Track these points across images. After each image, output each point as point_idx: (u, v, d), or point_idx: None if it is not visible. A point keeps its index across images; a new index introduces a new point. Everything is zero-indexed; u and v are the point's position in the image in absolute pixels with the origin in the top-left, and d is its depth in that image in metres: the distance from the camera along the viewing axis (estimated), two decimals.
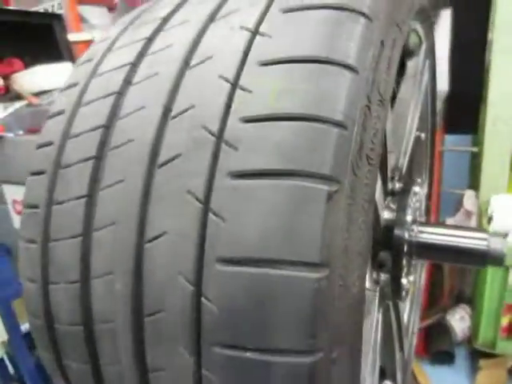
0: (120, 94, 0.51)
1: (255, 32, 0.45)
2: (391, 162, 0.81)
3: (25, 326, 1.56)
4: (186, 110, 0.44)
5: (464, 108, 1.96)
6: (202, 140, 0.41)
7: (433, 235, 0.81)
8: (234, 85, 0.42)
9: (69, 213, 0.49)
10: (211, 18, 0.51)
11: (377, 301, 0.79)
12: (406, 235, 0.76)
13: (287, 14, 0.44)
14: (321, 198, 0.36)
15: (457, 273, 2.15)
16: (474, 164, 2.16)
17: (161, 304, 0.42)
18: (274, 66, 0.41)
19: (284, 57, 0.41)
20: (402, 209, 0.78)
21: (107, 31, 0.64)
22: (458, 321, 2.08)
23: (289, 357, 0.37)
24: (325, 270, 0.36)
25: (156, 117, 0.45)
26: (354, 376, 0.47)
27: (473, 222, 1.89)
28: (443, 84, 1.84)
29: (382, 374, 1.01)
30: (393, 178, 0.85)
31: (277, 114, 0.39)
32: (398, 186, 0.86)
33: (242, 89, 0.42)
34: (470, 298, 2.16)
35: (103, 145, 0.49)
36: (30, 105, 1.59)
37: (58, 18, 1.87)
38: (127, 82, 0.51)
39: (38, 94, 1.64)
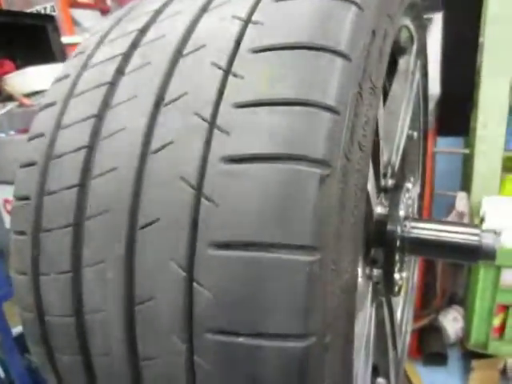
0: (112, 85, 0.51)
1: (247, 21, 0.46)
2: (384, 159, 0.82)
3: (16, 330, 1.54)
4: (178, 98, 0.44)
5: (456, 110, 1.99)
6: (194, 126, 0.41)
7: (425, 231, 0.81)
8: (227, 72, 0.42)
9: (60, 202, 0.48)
10: (204, 9, 0.52)
11: (369, 296, 0.79)
12: (399, 230, 0.77)
13: (279, 2, 0.45)
14: (313, 181, 0.36)
15: (449, 274, 2.16)
16: (466, 166, 2.18)
17: (152, 291, 0.41)
18: (266, 53, 0.42)
19: (276, 44, 0.41)
20: (394, 204, 0.79)
21: (100, 25, 0.64)
22: (451, 322, 2.09)
23: (281, 341, 0.37)
24: (317, 254, 0.36)
25: (148, 105, 0.45)
26: (346, 366, 0.47)
27: None
28: (435, 87, 1.86)
29: (375, 372, 1.01)
30: (385, 175, 0.86)
31: (269, 98, 0.39)
32: (390, 182, 0.86)
33: (235, 75, 0.42)
34: (462, 300, 2.17)
35: (95, 134, 0.48)
36: (21, 105, 1.58)
37: (51, 19, 1.87)
38: (119, 72, 0.51)
39: (29, 95, 1.64)
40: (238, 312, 0.37)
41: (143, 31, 0.54)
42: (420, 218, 1.09)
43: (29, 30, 1.81)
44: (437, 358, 2.03)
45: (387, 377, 1.02)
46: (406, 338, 1.25)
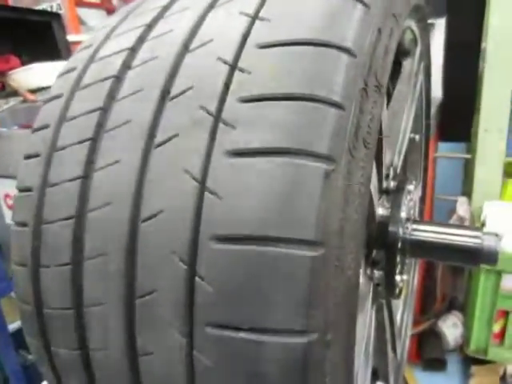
0: (118, 78, 0.51)
1: (255, 17, 0.46)
2: (386, 160, 0.82)
3: (12, 326, 1.53)
4: (184, 92, 0.44)
5: (457, 116, 1.99)
6: (199, 120, 0.41)
7: (426, 233, 0.81)
8: (233, 66, 0.42)
9: (63, 194, 0.48)
10: (211, 5, 0.52)
11: (370, 298, 0.79)
12: (401, 232, 0.76)
13: None
14: (318, 176, 0.36)
15: (449, 279, 2.15)
16: (467, 171, 2.18)
17: (153, 284, 0.41)
18: (273, 49, 0.42)
19: (283, 39, 0.41)
20: (396, 206, 0.79)
21: (107, 20, 0.65)
22: (451, 327, 2.08)
23: (283, 337, 0.37)
24: (320, 249, 0.36)
25: (154, 98, 0.45)
26: (347, 364, 0.47)
27: None
28: (437, 92, 1.86)
29: (375, 375, 1.00)
30: (387, 176, 0.86)
31: (275, 93, 0.39)
32: (392, 184, 0.86)
33: (241, 70, 0.42)
34: (462, 305, 2.16)
35: (100, 127, 0.48)
36: (25, 101, 1.59)
37: (57, 16, 1.88)
38: (126, 66, 0.51)
39: (34, 91, 1.64)
40: (238, 306, 0.37)
41: (151, 26, 0.55)
42: (421, 220, 1.09)
43: (35, 27, 1.82)
44: (436, 363, 2.02)
45: (386, 380, 1.02)
46: (405, 342, 1.24)
